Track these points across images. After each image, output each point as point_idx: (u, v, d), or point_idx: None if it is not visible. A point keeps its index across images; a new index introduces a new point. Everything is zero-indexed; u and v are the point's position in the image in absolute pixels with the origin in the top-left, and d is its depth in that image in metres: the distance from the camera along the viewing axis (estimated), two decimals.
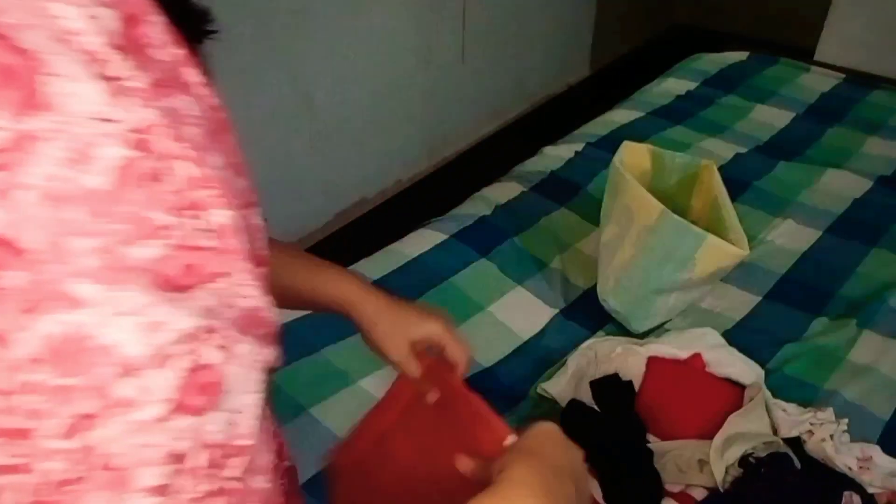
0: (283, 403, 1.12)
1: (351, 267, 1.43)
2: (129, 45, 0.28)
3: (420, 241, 1.48)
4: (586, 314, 1.34)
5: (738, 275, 1.36)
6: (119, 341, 0.26)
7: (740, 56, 2.25)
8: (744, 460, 1.00)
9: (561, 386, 1.17)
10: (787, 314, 1.33)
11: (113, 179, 0.26)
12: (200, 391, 0.29)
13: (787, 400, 1.12)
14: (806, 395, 1.15)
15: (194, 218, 0.29)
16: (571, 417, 1.11)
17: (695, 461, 1.04)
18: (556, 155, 1.79)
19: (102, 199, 0.26)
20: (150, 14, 0.30)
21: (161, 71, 0.30)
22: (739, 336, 1.25)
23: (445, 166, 2.65)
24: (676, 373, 1.16)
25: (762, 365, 1.19)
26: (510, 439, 0.55)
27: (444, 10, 2.37)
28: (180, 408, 0.28)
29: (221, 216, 0.30)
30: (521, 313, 1.34)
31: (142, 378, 0.27)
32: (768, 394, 1.11)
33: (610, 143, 1.72)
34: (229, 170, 0.35)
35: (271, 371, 0.35)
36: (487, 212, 1.57)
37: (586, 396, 1.15)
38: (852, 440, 1.05)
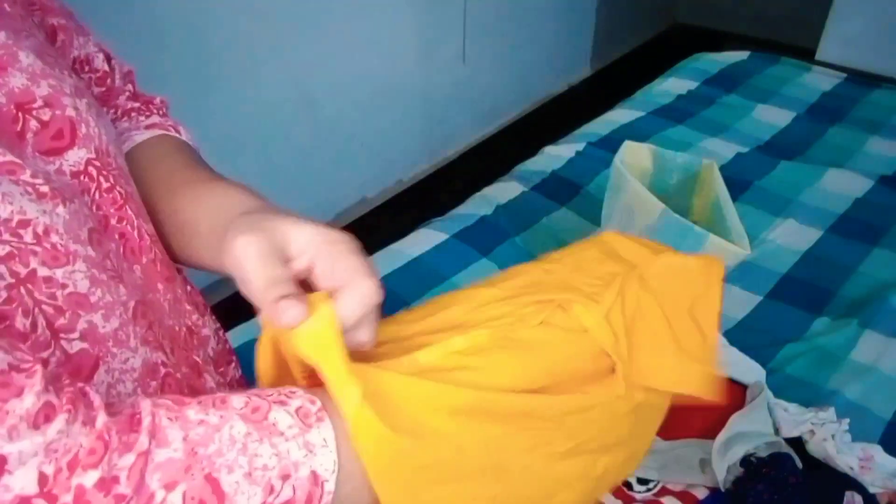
0: None
1: None
2: None
3: (420, 241, 1.48)
4: None
5: (739, 274, 1.36)
6: None
7: (741, 55, 2.25)
8: (745, 460, 1.00)
9: None
10: (789, 314, 1.33)
11: None
12: None
13: (789, 400, 1.11)
14: (807, 395, 1.15)
15: None
16: None
17: (696, 461, 1.04)
18: (557, 155, 1.79)
19: None
20: None
21: None
22: (740, 336, 1.25)
23: (446, 166, 2.65)
24: None
25: (763, 364, 1.19)
26: None
27: (444, 10, 2.37)
28: None
29: None
30: None
31: None
32: (770, 393, 1.11)
33: (611, 143, 1.71)
34: None
35: None
36: (488, 212, 1.57)
37: None
38: (854, 440, 1.04)
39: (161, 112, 0.59)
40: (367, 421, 0.37)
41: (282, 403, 0.36)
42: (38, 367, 0.29)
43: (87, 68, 0.54)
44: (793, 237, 1.51)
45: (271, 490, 0.33)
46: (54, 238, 0.37)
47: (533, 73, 2.91)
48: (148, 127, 0.56)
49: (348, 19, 2.08)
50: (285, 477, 0.34)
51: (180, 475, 0.31)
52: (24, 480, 0.27)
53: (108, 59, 0.56)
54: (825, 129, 1.89)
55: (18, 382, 0.28)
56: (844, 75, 2.12)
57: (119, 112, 0.57)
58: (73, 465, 0.29)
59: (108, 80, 0.56)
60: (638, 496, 1.02)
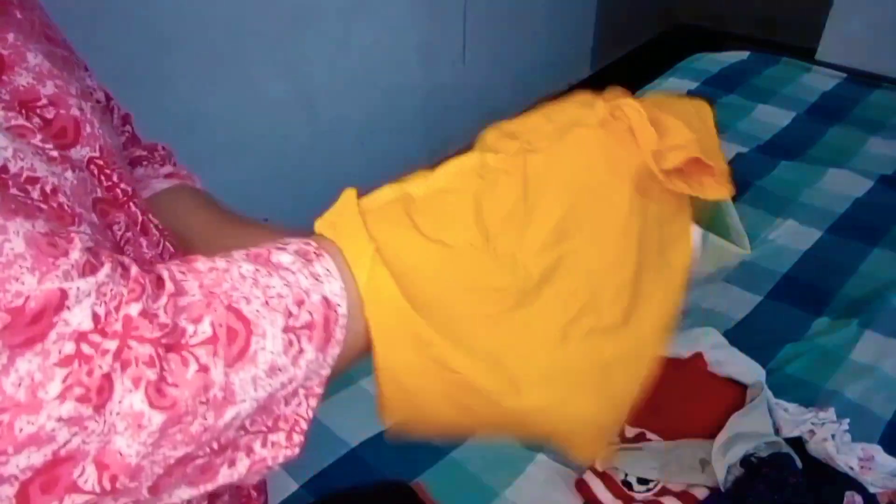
0: None
1: None
2: None
3: None
4: None
5: (740, 274, 1.36)
6: None
7: (741, 56, 2.25)
8: (745, 460, 1.00)
9: None
10: (789, 314, 1.33)
11: None
12: None
13: (789, 400, 1.11)
14: (807, 395, 1.15)
15: None
16: None
17: (696, 461, 1.04)
18: None
19: None
20: None
21: None
22: (741, 336, 1.25)
23: None
24: (678, 372, 1.16)
25: (763, 364, 1.19)
26: None
27: (444, 10, 2.37)
28: None
29: None
30: None
31: None
32: (770, 393, 1.11)
33: None
34: None
35: None
36: None
37: None
38: (854, 440, 1.05)
39: (172, 161, 0.61)
40: (380, 282, 0.37)
41: (280, 248, 0.38)
42: (76, 236, 0.31)
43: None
44: (793, 237, 1.51)
45: (290, 314, 0.35)
46: (61, 198, 0.38)
47: (533, 73, 2.90)
48: (167, 176, 0.58)
49: (348, 19, 2.08)
50: (300, 303, 0.35)
51: (204, 310, 0.33)
52: (80, 317, 0.29)
53: (108, 99, 0.57)
54: (825, 129, 1.89)
55: (62, 245, 0.30)
56: (844, 75, 2.12)
57: (127, 159, 0.58)
58: (119, 303, 0.31)
59: (107, 117, 0.56)
60: (638, 496, 1.02)
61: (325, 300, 0.36)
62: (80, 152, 0.42)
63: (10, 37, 0.40)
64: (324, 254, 0.38)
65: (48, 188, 0.37)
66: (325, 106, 2.14)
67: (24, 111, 0.39)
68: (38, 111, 0.40)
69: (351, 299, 0.37)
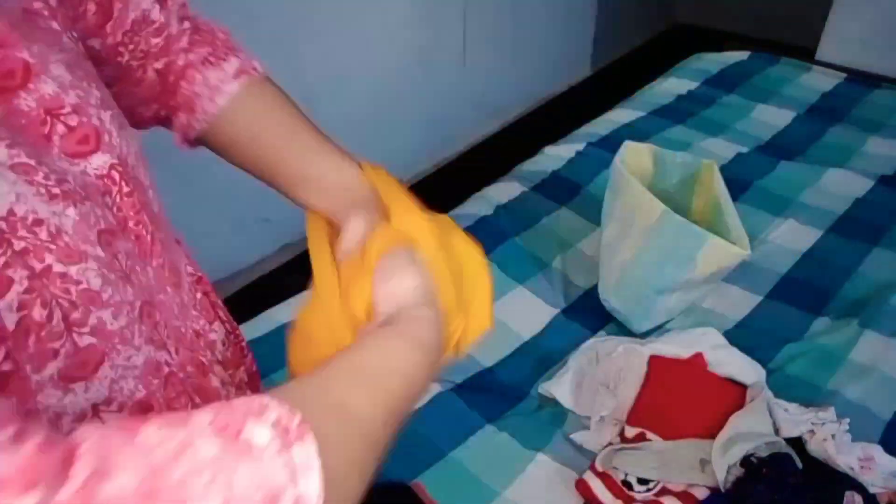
0: None
1: None
2: None
3: None
4: (587, 314, 1.33)
5: (740, 275, 1.36)
6: None
7: (741, 55, 2.25)
8: (745, 460, 1.00)
9: (562, 386, 1.17)
10: (789, 314, 1.33)
11: None
12: None
13: (789, 400, 1.12)
14: (807, 395, 1.15)
15: None
16: None
17: (696, 461, 1.04)
18: (557, 155, 1.79)
19: None
20: None
21: None
22: (741, 336, 1.25)
23: (446, 166, 2.65)
24: (678, 372, 1.16)
25: (763, 365, 1.19)
26: None
27: (445, 10, 2.37)
28: None
29: None
30: (522, 313, 1.34)
31: None
32: (770, 394, 1.11)
33: (611, 143, 1.71)
34: None
35: None
36: (488, 212, 1.57)
37: (588, 397, 1.15)
38: (854, 440, 1.05)
39: (235, 52, 0.61)
40: None
41: (259, 415, 0.32)
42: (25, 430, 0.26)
43: (143, 26, 0.56)
44: (793, 237, 1.51)
45: None
46: (66, 238, 0.39)
47: (533, 73, 2.90)
48: (236, 75, 0.59)
49: (348, 20, 2.08)
50: None
51: None
52: None
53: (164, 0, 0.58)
54: (825, 129, 1.89)
55: None
56: (844, 75, 2.12)
57: (190, 59, 0.59)
58: None
59: (165, 32, 0.57)
60: (638, 496, 1.02)
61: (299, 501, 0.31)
62: (102, 158, 0.44)
63: (35, 48, 0.42)
64: (307, 434, 0.32)
65: (52, 229, 0.38)
66: (325, 106, 2.14)
67: (49, 118, 0.41)
68: (62, 118, 0.42)
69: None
